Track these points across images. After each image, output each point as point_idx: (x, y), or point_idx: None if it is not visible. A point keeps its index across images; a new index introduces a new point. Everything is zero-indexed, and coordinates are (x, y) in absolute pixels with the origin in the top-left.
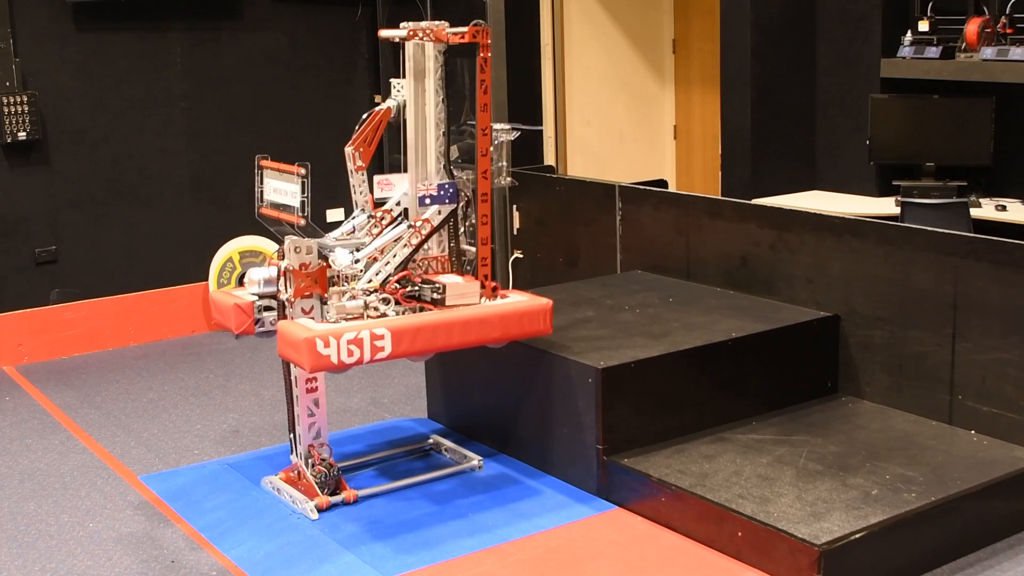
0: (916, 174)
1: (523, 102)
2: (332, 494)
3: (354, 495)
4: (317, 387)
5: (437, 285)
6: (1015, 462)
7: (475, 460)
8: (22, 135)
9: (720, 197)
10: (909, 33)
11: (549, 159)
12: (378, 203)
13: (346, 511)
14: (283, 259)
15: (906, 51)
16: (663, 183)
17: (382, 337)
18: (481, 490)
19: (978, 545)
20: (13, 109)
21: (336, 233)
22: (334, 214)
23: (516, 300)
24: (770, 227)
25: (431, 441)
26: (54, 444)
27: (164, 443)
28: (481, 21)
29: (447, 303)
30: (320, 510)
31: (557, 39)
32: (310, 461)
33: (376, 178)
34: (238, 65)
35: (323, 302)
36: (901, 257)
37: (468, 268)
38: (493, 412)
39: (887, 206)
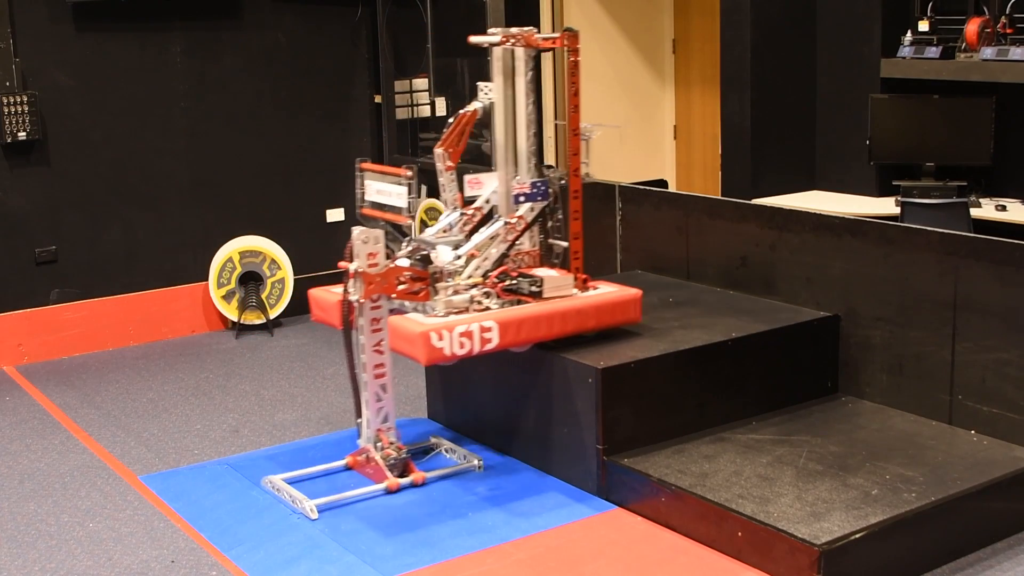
0: (916, 174)
1: None
2: (400, 476)
3: (422, 477)
4: (385, 373)
5: (535, 278)
6: (1015, 462)
7: (475, 460)
8: (22, 135)
9: (720, 197)
10: (909, 33)
11: (549, 159)
12: (467, 201)
13: (346, 511)
14: (352, 261)
15: (906, 51)
16: (663, 183)
17: (490, 329)
18: (481, 490)
19: (978, 545)
20: (13, 109)
21: (432, 231)
22: (334, 214)
23: (607, 291)
24: (770, 227)
25: (431, 441)
26: (54, 444)
27: (164, 443)
28: (572, 27)
29: (545, 295)
30: (390, 491)
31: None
32: (379, 445)
33: (466, 177)
34: (238, 65)
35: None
36: (901, 257)
37: (556, 261)
38: (493, 412)
39: (887, 206)
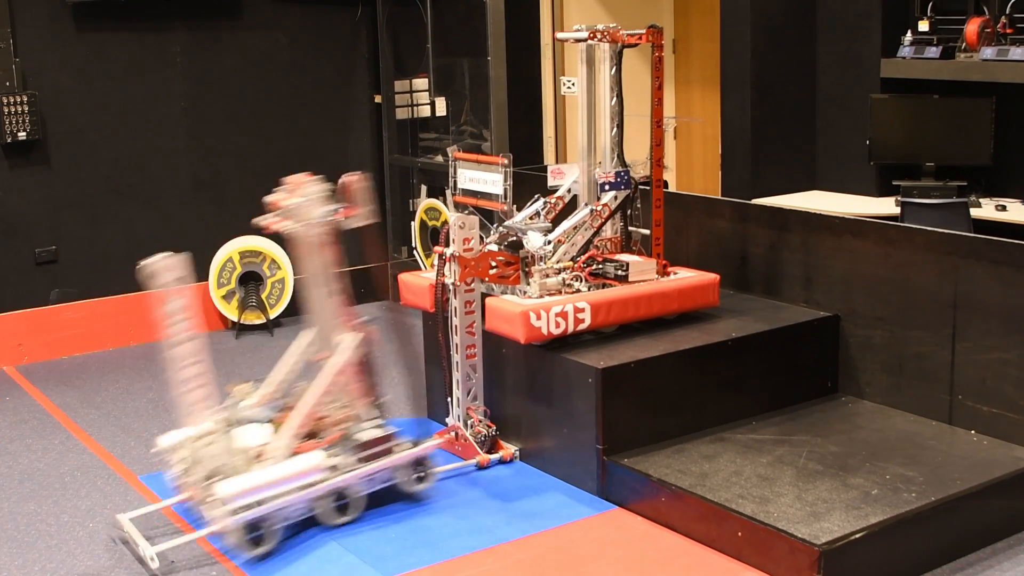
0: (916, 174)
1: (523, 102)
2: (489, 452)
3: (511, 453)
4: (475, 354)
5: (620, 263)
6: (1015, 462)
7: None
8: (22, 135)
9: (720, 197)
10: (909, 33)
11: (549, 159)
12: (550, 190)
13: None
14: (447, 246)
15: (906, 51)
16: (663, 183)
17: (583, 310)
18: (481, 490)
19: (978, 545)
20: (13, 109)
21: (519, 218)
22: None
23: (686, 276)
24: (770, 227)
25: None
26: (54, 444)
27: None
28: (656, 24)
29: (630, 279)
30: (481, 467)
31: (556, 39)
32: (469, 422)
33: (549, 167)
34: (238, 65)
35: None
36: (901, 257)
37: (635, 248)
38: (493, 412)
39: (887, 206)
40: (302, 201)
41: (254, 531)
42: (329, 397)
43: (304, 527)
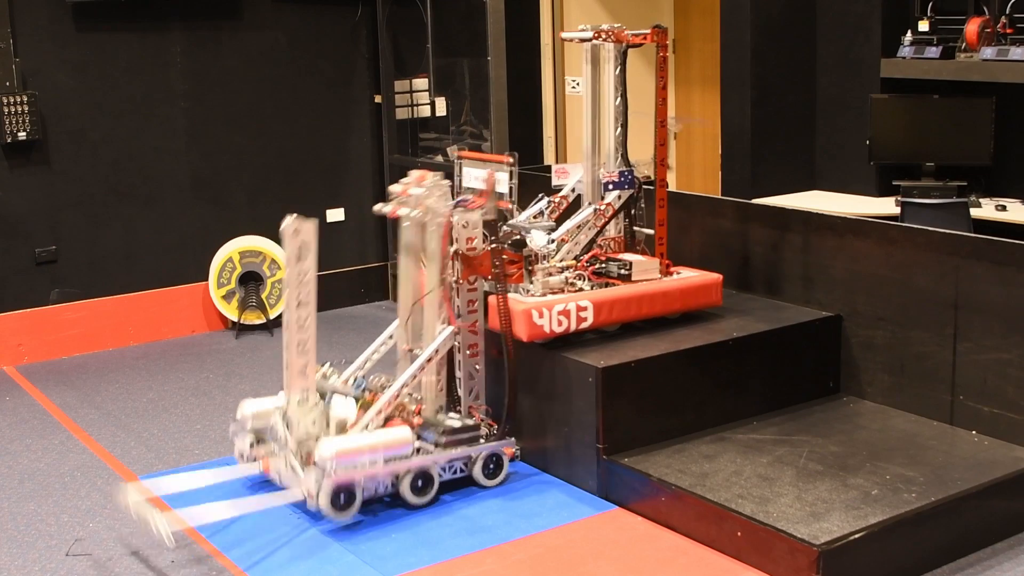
0: (916, 174)
1: (523, 102)
2: None
3: (511, 452)
4: (478, 353)
5: (623, 262)
6: (1015, 462)
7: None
8: (22, 135)
9: (721, 197)
10: (909, 33)
11: (549, 159)
12: (554, 190)
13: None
14: (451, 244)
15: (906, 51)
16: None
17: (585, 308)
18: (481, 490)
19: (978, 545)
20: (13, 109)
21: (523, 216)
22: (334, 214)
23: (689, 275)
24: (771, 227)
25: None
26: (54, 444)
27: (164, 443)
28: (661, 24)
29: (633, 278)
30: None
31: (557, 39)
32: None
33: (554, 167)
34: (238, 65)
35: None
36: (902, 257)
37: (638, 247)
38: (495, 411)
39: (887, 206)
40: (427, 191)
41: (343, 494)
42: (414, 385)
43: (303, 527)
